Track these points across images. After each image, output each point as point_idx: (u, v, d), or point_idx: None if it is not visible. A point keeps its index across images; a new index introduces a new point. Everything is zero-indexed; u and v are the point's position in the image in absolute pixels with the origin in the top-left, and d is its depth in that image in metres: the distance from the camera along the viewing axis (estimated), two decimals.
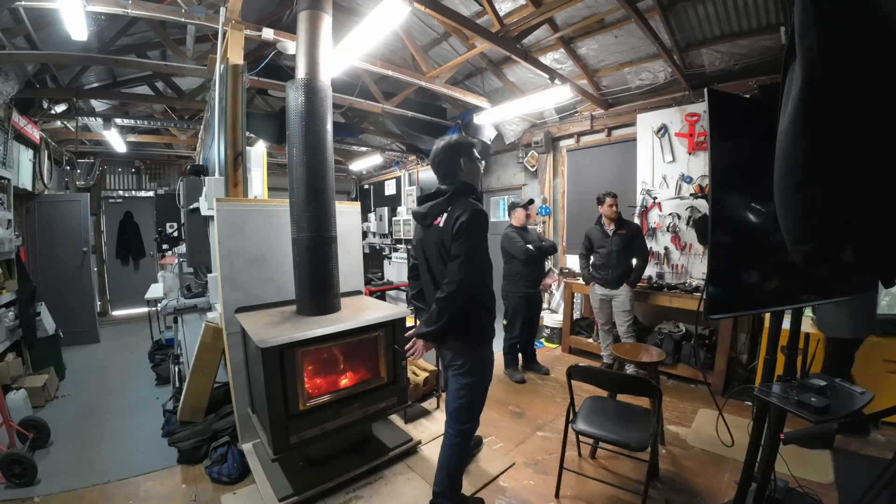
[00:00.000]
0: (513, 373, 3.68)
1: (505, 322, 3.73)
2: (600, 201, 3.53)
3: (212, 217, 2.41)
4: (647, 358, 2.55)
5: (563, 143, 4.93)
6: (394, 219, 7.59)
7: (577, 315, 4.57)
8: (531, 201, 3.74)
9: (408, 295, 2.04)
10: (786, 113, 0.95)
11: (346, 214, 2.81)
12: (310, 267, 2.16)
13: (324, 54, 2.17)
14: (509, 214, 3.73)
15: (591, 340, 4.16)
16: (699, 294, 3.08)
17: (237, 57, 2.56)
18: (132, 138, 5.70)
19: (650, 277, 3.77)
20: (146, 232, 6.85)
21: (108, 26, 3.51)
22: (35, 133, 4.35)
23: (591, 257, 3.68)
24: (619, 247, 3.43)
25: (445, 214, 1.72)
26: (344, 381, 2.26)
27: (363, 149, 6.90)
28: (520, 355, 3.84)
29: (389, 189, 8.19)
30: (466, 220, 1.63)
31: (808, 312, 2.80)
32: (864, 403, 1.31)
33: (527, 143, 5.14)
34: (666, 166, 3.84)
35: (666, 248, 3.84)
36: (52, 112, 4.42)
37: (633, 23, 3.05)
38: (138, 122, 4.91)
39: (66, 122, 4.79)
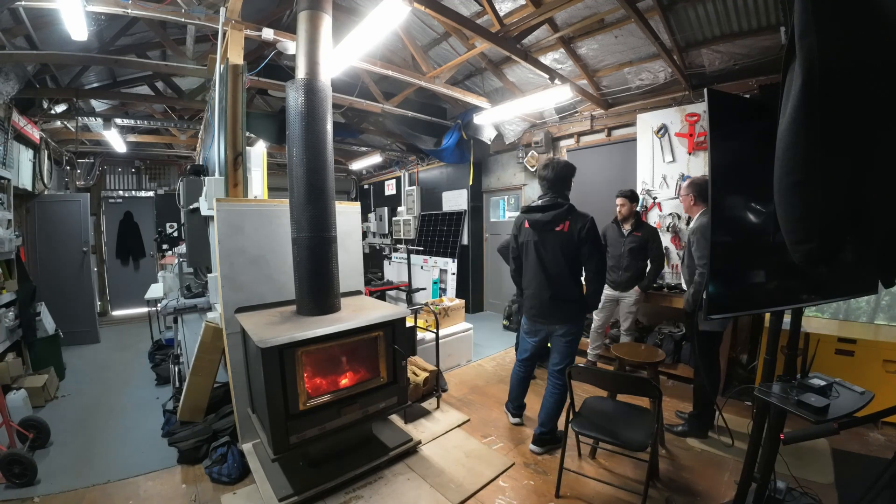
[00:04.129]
0: None
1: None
2: (617, 195, 3.48)
3: (212, 217, 2.41)
4: (647, 358, 2.55)
5: (563, 143, 4.93)
6: (394, 219, 7.59)
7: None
8: None
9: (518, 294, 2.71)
10: (786, 113, 0.95)
11: (346, 214, 2.81)
12: (310, 267, 2.16)
13: (324, 54, 2.16)
14: None
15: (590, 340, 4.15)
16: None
17: (237, 57, 2.56)
18: (132, 138, 5.70)
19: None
20: (146, 232, 6.85)
21: (108, 26, 3.51)
22: (35, 133, 4.35)
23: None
24: (632, 249, 3.38)
25: (568, 222, 2.25)
26: (344, 381, 2.26)
27: (363, 149, 6.91)
28: None
29: (389, 189, 8.19)
30: (593, 226, 2.27)
31: (807, 311, 2.79)
32: (864, 403, 1.31)
33: (527, 143, 5.14)
34: (666, 166, 3.84)
35: (666, 248, 3.84)
36: (52, 112, 4.42)
37: (633, 23, 3.05)
38: (138, 122, 4.91)
39: (66, 122, 4.79)
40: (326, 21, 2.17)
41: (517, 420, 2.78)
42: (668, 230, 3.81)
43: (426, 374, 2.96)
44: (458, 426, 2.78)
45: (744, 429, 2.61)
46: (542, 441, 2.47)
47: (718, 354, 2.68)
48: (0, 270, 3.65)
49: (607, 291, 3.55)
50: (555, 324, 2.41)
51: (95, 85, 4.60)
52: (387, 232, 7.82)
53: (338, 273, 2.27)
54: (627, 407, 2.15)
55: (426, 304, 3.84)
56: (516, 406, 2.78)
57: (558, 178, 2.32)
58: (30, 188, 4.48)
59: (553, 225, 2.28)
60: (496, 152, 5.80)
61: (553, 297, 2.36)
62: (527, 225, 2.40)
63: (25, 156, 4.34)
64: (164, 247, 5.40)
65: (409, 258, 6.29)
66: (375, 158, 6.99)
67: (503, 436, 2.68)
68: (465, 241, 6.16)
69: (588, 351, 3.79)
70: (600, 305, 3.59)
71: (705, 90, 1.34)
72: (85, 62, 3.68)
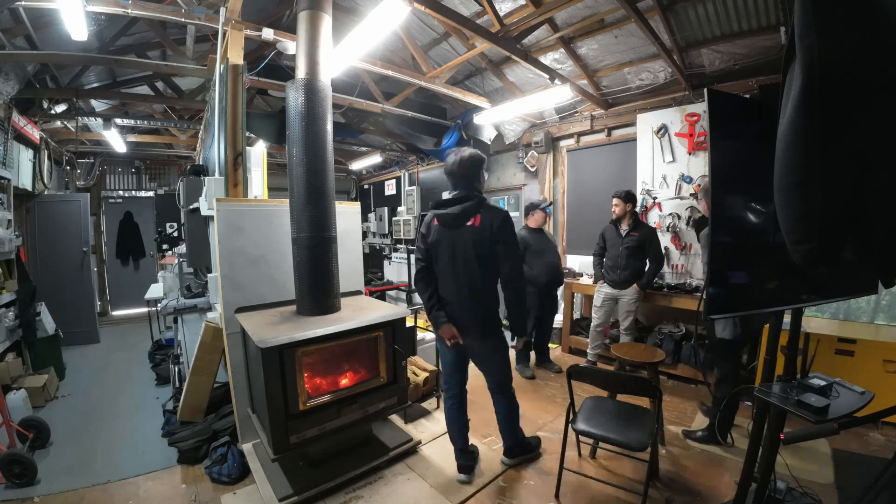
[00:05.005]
0: (524, 369, 3.69)
1: None
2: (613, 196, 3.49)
3: (212, 217, 2.41)
4: (647, 358, 2.55)
5: (563, 143, 4.93)
6: (394, 219, 7.59)
7: (577, 315, 4.57)
8: (550, 203, 3.73)
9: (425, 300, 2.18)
10: (786, 113, 0.95)
11: (346, 214, 2.81)
12: (310, 267, 2.16)
13: (324, 54, 2.17)
14: (526, 216, 3.73)
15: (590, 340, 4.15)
16: (699, 294, 3.09)
17: (237, 57, 2.56)
18: (132, 138, 5.70)
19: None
20: (146, 232, 6.85)
21: (108, 26, 3.51)
22: (35, 133, 4.35)
23: (604, 257, 3.66)
24: (630, 248, 3.38)
25: (480, 216, 1.98)
26: (344, 382, 2.26)
27: (363, 149, 6.91)
28: (532, 353, 3.87)
29: (389, 189, 8.19)
30: (508, 222, 1.98)
31: (807, 311, 2.79)
32: (864, 403, 1.31)
33: (527, 143, 5.14)
34: (666, 166, 3.84)
35: (666, 248, 3.84)
36: (52, 112, 4.42)
37: (633, 23, 3.05)
38: (138, 122, 4.92)
39: (66, 122, 4.79)
40: (326, 21, 2.17)
41: (465, 477, 2.18)
42: (668, 230, 3.81)
43: (426, 374, 2.96)
44: None
45: (744, 429, 2.61)
46: (511, 452, 2.35)
47: (739, 363, 2.64)
48: (0, 270, 3.65)
49: (606, 290, 3.56)
50: (472, 337, 2.06)
51: (95, 85, 4.60)
52: (387, 232, 7.81)
53: (338, 273, 2.27)
54: (627, 407, 2.15)
55: None
56: (461, 451, 2.22)
57: (465, 171, 2.04)
58: (30, 188, 4.48)
59: (463, 219, 1.99)
60: (496, 152, 5.79)
61: (465, 304, 2.03)
62: (436, 223, 2.08)
63: (25, 156, 4.34)
64: (164, 247, 5.41)
65: (409, 258, 6.28)
66: (375, 158, 6.99)
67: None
68: None
69: (588, 351, 3.80)
70: (599, 303, 3.61)
71: (705, 90, 1.34)
72: (85, 62, 3.68)
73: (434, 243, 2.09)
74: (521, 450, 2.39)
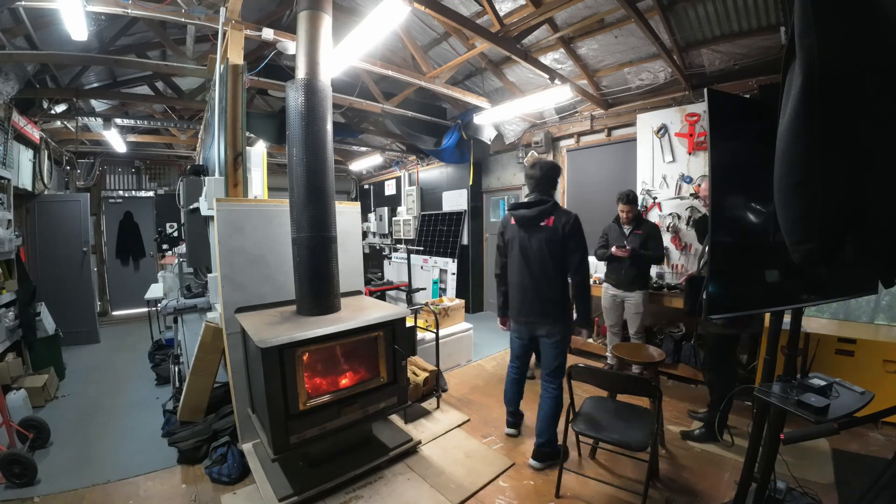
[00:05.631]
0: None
1: None
2: (617, 201, 3.41)
3: (212, 217, 2.41)
4: (647, 358, 2.55)
5: (563, 143, 4.93)
6: (394, 219, 7.59)
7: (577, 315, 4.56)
8: None
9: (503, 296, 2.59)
10: (786, 113, 0.95)
11: (346, 214, 2.81)
12: (310, 267, 2.16)
13: (324, 54, 2.17)
14: None
15: (591, 340, 4.16)
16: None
17: (237, 57, 2.56)
18: (132, 138, 5.70)
19: (650, 277, 3.75)
20: (146, 232, 6.85)
21: (108, 26, 3.51)
22: (35, 133, 4.35)
23: None
24: (635, 247, 3.33)
25: (553, 217, 2.26)
26: (344, 382, 2.26)
27: (363, 149, 6.91)
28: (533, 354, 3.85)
29: (389, 189, 8.19)
30: (578, 222, 2.26)
31: (807, 311, 2.79)
32: (864, 403, 1.31)
33: (527, 143, 5.14)
34: (666, 166, 3.84)
35: (666, 248, 3.83)
36: (52, 112, 4.42)
37: (633, 23, 3.05)
38: (138, 122, 4.92)
39: (66, 122, 4.79)
40: (326, 21, 2.17)
41: (512, 431, 2.66)
42: (668, 230, 3.81)
43: (426, 374, 2.96)
44: (458, 426, 2.78)
45: (744, 429, 2.61)
46: (541, 455, 2.34)
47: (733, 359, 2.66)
48: (0, 270, 3.65)
49: (611, 291, 3.53)
50: (537, 323, 2.35)
51: (95, 85, 4.60)
52: (387, 232, 7.82)
53: (338, 273, 2.27)
54: (627, 407, 2.15)
55: (426, 304, 3.85)
56: (511, 413, 2.68)
57: (546, 177, 2.35)
58: (30, 188, 4.48)
59: (538, 220, 2.29)
60: (496, 152, 5.79)
61: (536, 294, 2.32)
62: (513, 222, 2.40)
63: (25, 156, 4.34)
64: (164, 247, 5.41)
65: (409, 258, 6.29)
66: (375, 158, 6.99)
67: (503, 436, 2.68)
68: (465, 241, 6.16)
69: (607, 355, 3.72)
70: (609, 305, 3.57)
71: (705, 90, 1.34)
72: (85, 62, 3.68)
73: (510, 240, 2.42)
74: (552, 452, 2.35)
